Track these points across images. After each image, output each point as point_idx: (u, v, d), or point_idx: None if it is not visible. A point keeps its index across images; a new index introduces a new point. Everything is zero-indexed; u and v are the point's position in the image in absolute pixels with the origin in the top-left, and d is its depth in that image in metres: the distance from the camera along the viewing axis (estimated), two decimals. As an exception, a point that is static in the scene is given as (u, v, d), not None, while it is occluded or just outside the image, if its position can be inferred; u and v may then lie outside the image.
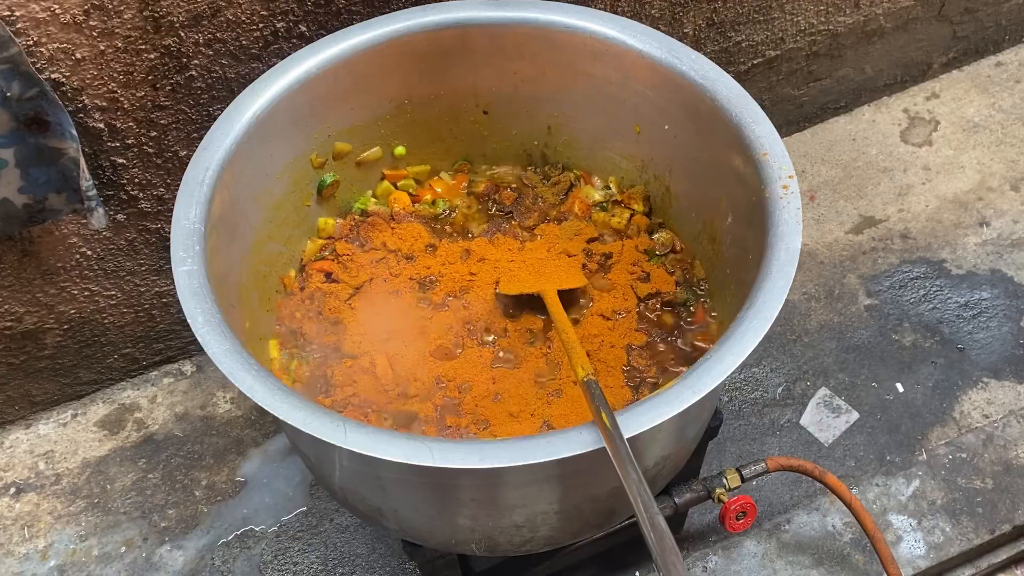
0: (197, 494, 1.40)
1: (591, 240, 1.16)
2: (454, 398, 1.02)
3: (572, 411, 0.98)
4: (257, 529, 1.36)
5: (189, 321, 0.80)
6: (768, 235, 0.83)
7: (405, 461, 0.70)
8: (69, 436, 1.45)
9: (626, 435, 0.70)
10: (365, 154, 1.16)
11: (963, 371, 1.51)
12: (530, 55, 1.10)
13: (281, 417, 0.73)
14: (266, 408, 0.74)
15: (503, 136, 1.18)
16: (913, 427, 1.45)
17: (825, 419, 1.47)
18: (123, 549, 1.35)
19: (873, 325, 1.57)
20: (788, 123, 1.81)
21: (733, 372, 0.73)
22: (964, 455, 1.40)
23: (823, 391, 1.50)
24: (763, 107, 0.96)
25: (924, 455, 1.41)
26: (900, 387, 1.50)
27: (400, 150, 1.19)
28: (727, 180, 0.96)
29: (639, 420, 0.72)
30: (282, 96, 1.02)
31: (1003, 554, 1.40)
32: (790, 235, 0.81)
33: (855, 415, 1.47)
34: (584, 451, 0.70)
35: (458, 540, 0.90)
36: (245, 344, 0.82)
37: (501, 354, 1.06)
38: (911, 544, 1.33)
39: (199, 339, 0.79)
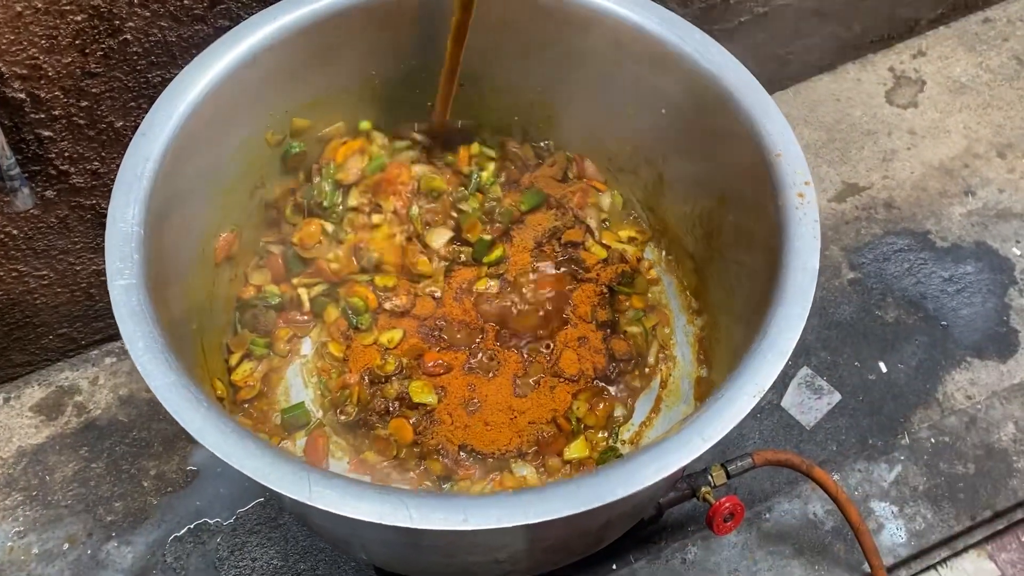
0: (145, 485, 1.30)
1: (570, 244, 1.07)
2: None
3: (536, 404, 0.92)
4: (211, 522, 1.28)
5: (127, 346, 0.70)
6: (781, 250, 0.75)
7: (379, 521, 0.61)
8: (2, 422, 1.34)
9: (626, 492, 0.63)
10: (327, 129, 1.05)
11: (946, 349, 1.46)
12: (512, 24, 0.99)
13: (236, 466, 0.64)
14: (217, 454, 0.65)
15: (480, 111, 1.08)
16: (896, 409, 1.41)
17: (807, 400, 1.41)
18: (66, 546, 1.26)
19: (856, 300, 1.51)
20: (770, 82, 1.70)
21: (747, 416, 0.65)
22: (947, 439, 1.37)
23: (805, 370, 1.44)
24: (748, 67, 0.87)
25: (907, 439, 1.37)
26: (883, 366, 1.45)
27: (365, 124, 1.08)
28: (731, 176, 0.88)
29: (642, 473, 0.64)
30: (233, 70, 0.90)
31: (978, 535, 1.38)
32: (807, 252, 0.73)
33: (837, 396, 1.42)
34: (584, 509, 0.62)
35: (432, 572, 0.83)
36: (195, 356, 0.72)
37: (480, 355, 0.98)
38: (892, 532, 1.29)
39: (139, 369, 0.69)
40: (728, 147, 0.87)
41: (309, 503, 0.62)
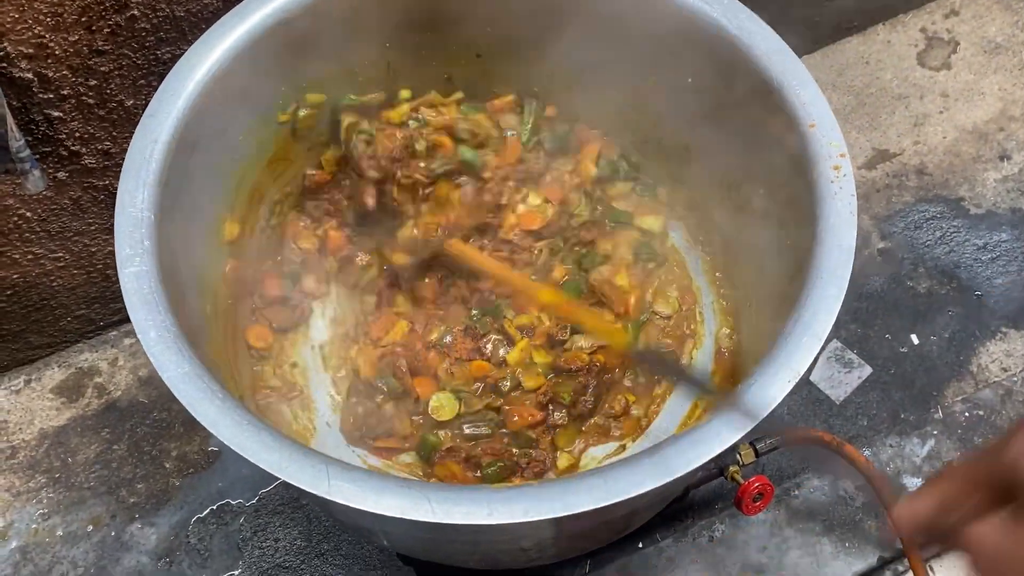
0: (167, 466, 1.30)
1: None
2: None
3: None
4: (234, 503, 1.27)
5: (139, 336, 0.68)
6: (816, 227, 0.71)
7: (400, 516, 0.60)
8: (23, 404, 1.34)
9: (655, 484, 0.60)
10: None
11: (981, 320, 1.42)
12: (529, -10, 0.95)
13: (251, 459, 0.63)
14: (233, 448, 0.63)
15: (498, 82, 1.04)
16: (928, 382, 1.37)
17: (836, 374, 1.38)
18: (90, 527, 1.25)
19: (887, 270, 1.47)
20: (796, 46, 1.65)
21: (780, 403, 0.63)
22: (981, 412, 1.33)
23: (834, 343, 1.41)
24: (776, 31, 0.83)
25: (940, 412, 1.34)
26: (915, 338, 1.41)
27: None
28: (762, 148, 0.84)
29: (672, 464, 0.61)
30: (243, 45, 0.87)
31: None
32: (843, 229, 0.70)
33: (868, 370, 1.38)
34: (612, 502, 0.60)
35: (456, 560, 0.81)
36: (210, 343, 0.71)
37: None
38: (925, 508, 1.26)
39: (152, 359, 0.67)
40: (758, 117, 0.83)
41: (328, 498, 0.60)
